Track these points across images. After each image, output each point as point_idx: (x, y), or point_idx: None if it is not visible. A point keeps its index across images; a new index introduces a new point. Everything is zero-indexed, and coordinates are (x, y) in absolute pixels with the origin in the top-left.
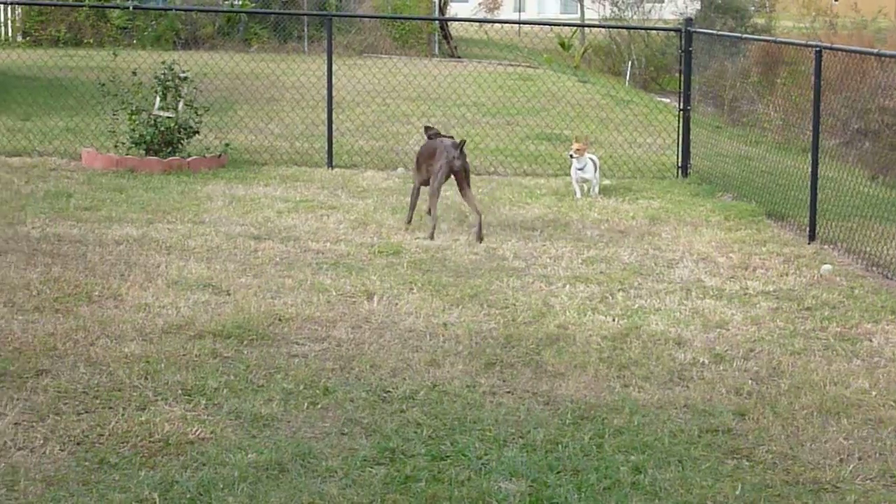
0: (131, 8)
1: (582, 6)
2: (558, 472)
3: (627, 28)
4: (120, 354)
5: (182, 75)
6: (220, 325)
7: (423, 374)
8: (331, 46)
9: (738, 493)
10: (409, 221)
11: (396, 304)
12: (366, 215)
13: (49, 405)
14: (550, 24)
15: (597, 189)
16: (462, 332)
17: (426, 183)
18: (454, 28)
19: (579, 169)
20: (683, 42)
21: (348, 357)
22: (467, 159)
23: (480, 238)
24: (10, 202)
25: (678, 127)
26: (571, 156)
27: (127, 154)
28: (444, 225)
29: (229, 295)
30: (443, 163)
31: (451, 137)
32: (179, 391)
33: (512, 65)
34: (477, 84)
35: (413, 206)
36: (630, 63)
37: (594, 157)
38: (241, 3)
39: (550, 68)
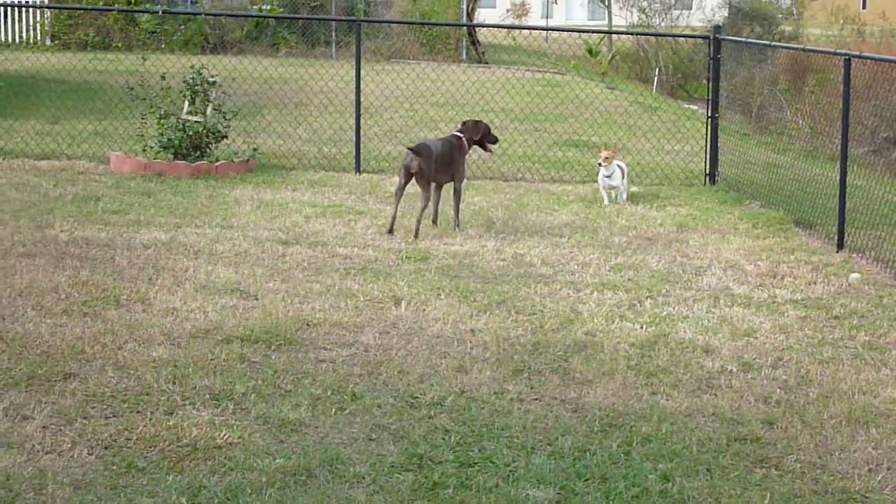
0: (160, 12)
1: (609, 13)
2: (586, 480)
3: (655, 35)
4: (148, 358)
5: (211, 79)
6: (248, 329)
7: (451, 380)
8: (359, 51)
9: (766, 502)
10: (435, 221)
11: (424, 309)
12: (397, 222)
13: (77, 409)
14: (578, 31)
15: (624, 196)
16: (490, 338)
17: (440, 185)
18: (482, 34)
19: (607, 176)
20: (711, 49)
21: (376, 363)
22: (432, 161)
23: (417, 233)
24: (39, 205)
25: (706, 134)
26: (600, 164)
27: (155, 158)
28: (472, 230)
29: (257, 299)
30: (401, 164)
31: (459, 136)
32: (207, 396)
33: (540, 71)
34: (504, 90)
35: (435, 211)
36: (657, 70)
37: (622, 164)
38: (269, 8)
39: (578, 75)
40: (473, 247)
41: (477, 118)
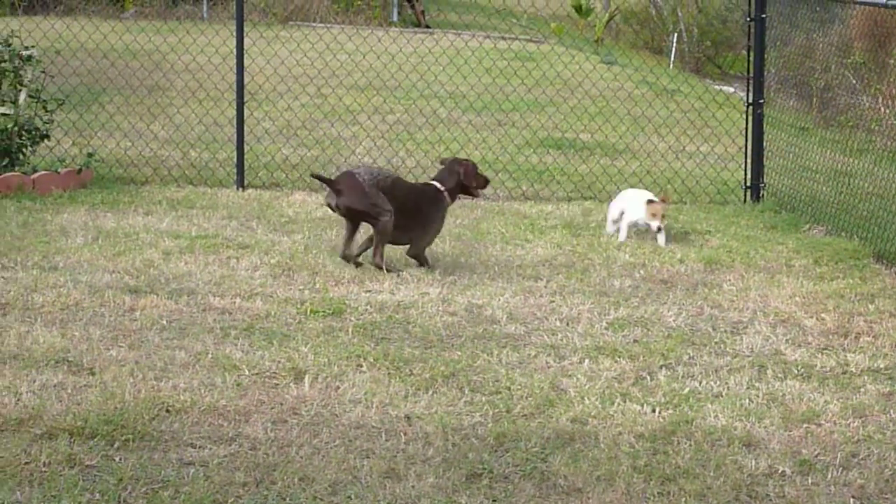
0: None
1: None
2: None
3: None
4: None
5: (25, 53)
6: (81, 419)
7: (377, 490)
8: (241, 10)
9: None
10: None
11: (338, 387)
12: (293, 258)
13: None
14: None
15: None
16: (433, 428)
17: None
18: None
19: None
20: (754, 5)
21: (268, 466)
22: (355, 196)
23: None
24: None
25: (746, 129)
26: (658, 228)
27: None
28: (407, 272)
29: (93, 375)
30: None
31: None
32: None
33: (505, 38)
34: (454, 66)
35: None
36: (676, 36)
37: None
38: None
39: (561, 43)
40: (409, 295)
41: (458, 157)
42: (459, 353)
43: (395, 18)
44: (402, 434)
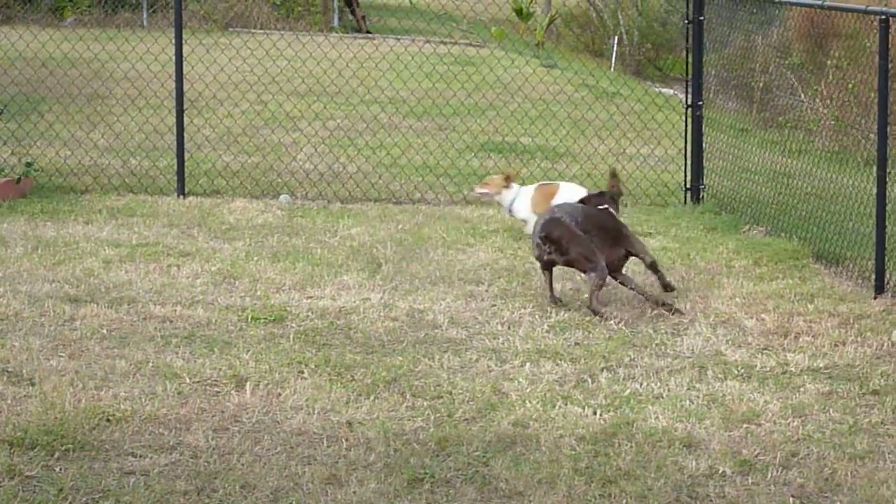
0: None
1: None
2: None
3: None
4: None
5: None
6: (21, 429)
7: (319, 496)
8: (180, 17)
9: None
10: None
11: (279, 394)
12: (234, 265)
13: None
14: None
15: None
16: (375, 433)
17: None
18: None
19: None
20: (692, 8)
21: (209, 474)
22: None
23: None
24: None
25: (686, 130)
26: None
27: None
28: (347, 276)
29: (33, 385)
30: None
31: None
32: None
33: (445, 42)
34: (395, 71)
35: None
36: (617, 39)
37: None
38: None
39: (501, 47)
40: (350, 300)
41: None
42: (401, 359)
43: (335, 24)
44: (343, 440)
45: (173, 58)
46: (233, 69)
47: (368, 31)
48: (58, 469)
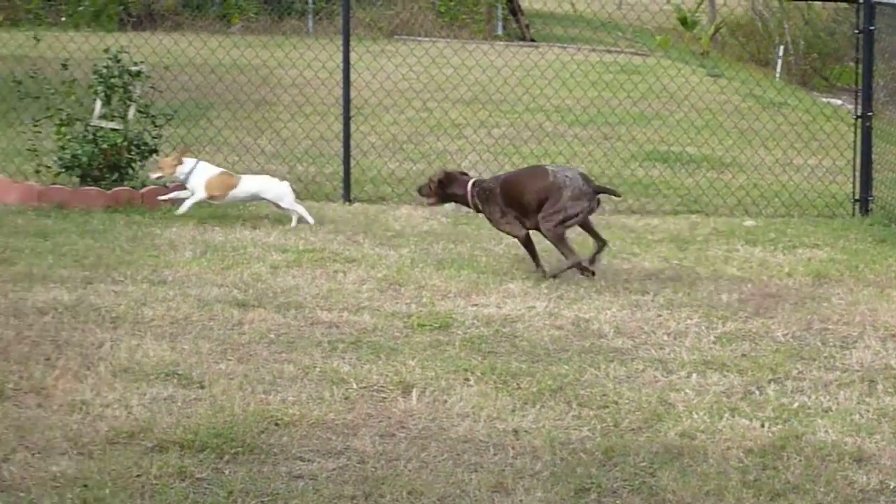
0: None
1: None
2: None
3: None
4: (46, 475)
5: (134, 68)
6: (191, 431)
7: (485, 503)
8: (347, 25)
9: None
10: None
11: (445, 401)
12: (399, 272)
13: None
14: None
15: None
16: (541, 442)
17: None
18: None
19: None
20: (862, 17)
21: (376, 479)
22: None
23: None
24: None
25: (855, 142)
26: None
27: (54, 183)
28: (513, 284)
29: (203, 388)
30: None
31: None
32: None
33: (611, 51)
34: (560, 80)
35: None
36: (783, 48)
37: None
38: None
39: (666, 56)
40: (516, 308)
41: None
42: (567, 367)
43: (499, 32)
44: (510, 448)
45: (340, 65)
46: (398, 76)
47: (532, 39)
48: (227, 472)
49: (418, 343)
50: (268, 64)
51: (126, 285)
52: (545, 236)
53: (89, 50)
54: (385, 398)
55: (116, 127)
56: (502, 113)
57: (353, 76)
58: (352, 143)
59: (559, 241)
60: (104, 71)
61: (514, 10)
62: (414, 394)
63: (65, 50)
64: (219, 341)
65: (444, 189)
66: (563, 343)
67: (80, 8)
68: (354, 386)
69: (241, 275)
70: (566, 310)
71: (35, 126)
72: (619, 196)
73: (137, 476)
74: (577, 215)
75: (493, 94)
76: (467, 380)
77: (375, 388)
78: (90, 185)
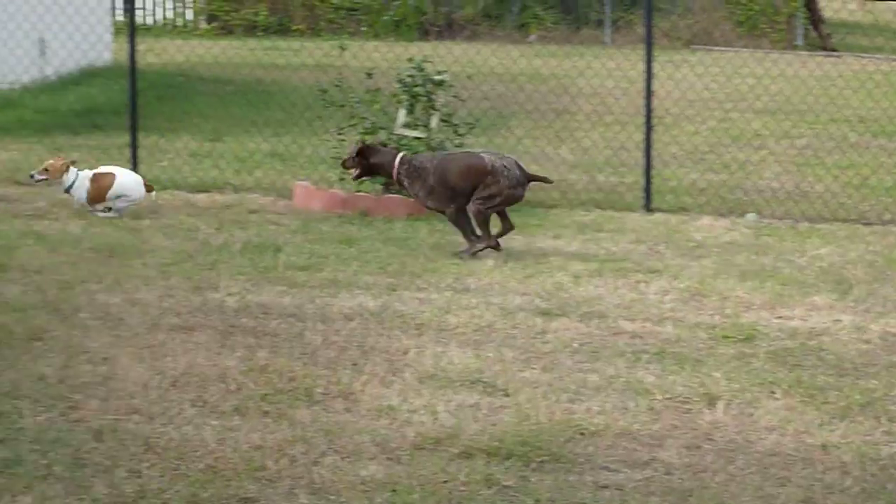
0: None
1: None
2: None
3: None
4: (355, 478)
5: (436, 78)
6: (497, 439)
7: None
8: (650, 35)
9: None
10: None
11: (751, 414)
12: (702, 283)
13: None
14: None
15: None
16: (850, 457)
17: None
18: (828, 8)
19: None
20: None
21: (683, 491)
22: None
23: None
24: (197, 258)
25: None
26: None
27: (358, 191)
28: (818, 297)
29: (508, 396)
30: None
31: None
32: None
33: None
34: (865, 90)
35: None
36: None
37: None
38: None
39: None
40: (821, 321)
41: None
42: (875, 382)
43: (799, 42)
44: (818, 463)
45: (642, 74)
46: (700, 86)
47: (834, 49)
48: (533, 480)
49: (723, 355)
50: (567, 73)
51: (430, 293)
52: (471, 214)
53: (393, 59)
54: (690, 409)
55: (419, 135)
56: (807, 123)
57: (654, 85)
58: (652, 152)
59: (482, 222)
60: (408, 80)
61: (815, 20)
62: (720, 406)
63: (368, 59)
64: (522, 350)
65: (367, 159)
66: (871, 357)
67: (382, 17)
68: (659, 397)
69: (544, 284)
70: (873, 324)
71: (339, 134)
72: (551, 182)
73: (444, 482)
74: (508, 200)
75: (796, 104)
76: (773, 393)
77: (680, 399)
78: (394, 194)
